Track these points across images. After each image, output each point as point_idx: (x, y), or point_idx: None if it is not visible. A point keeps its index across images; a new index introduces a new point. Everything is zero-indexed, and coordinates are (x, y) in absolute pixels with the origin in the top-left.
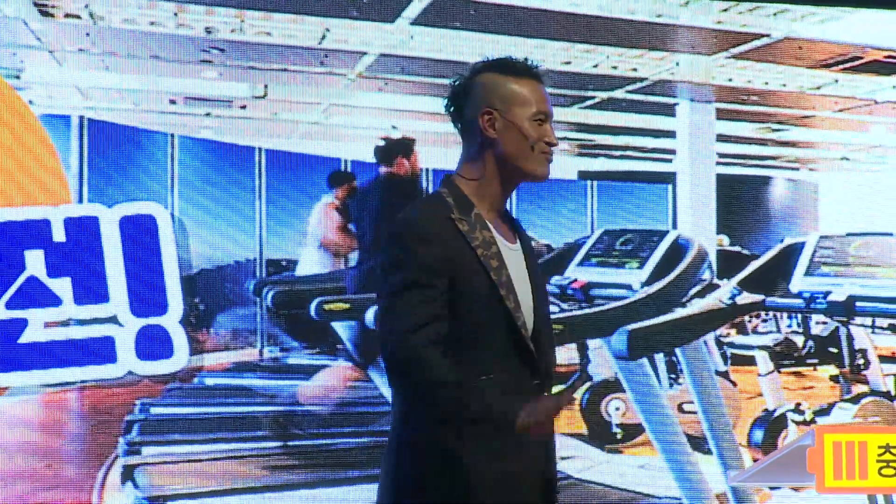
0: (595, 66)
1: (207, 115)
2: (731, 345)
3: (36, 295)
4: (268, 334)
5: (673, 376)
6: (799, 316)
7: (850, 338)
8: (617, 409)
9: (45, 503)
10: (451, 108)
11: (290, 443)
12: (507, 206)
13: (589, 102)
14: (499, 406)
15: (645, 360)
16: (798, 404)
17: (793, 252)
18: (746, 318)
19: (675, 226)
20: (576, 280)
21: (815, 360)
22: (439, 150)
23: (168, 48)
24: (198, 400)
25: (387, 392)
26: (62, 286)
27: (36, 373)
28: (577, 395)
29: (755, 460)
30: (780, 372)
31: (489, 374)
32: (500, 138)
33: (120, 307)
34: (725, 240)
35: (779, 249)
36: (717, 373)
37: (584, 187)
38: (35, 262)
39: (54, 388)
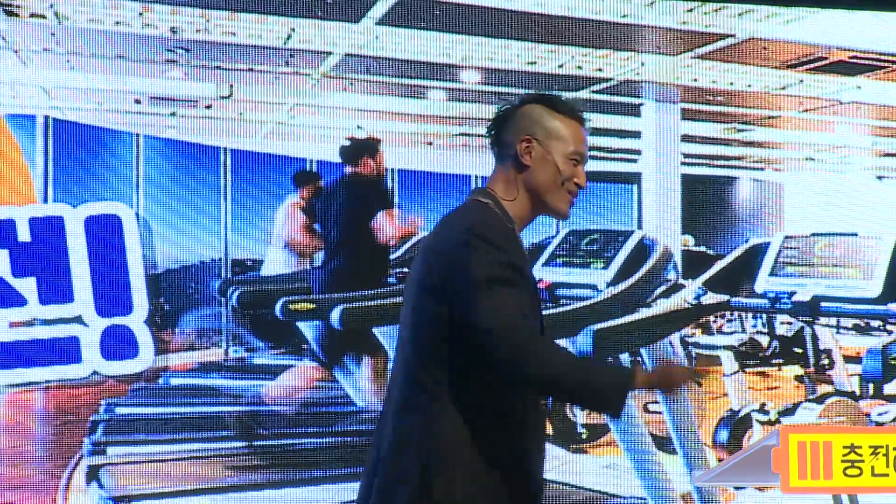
0: (560, 66)
1: (173, 114)
2: (696, 345)
3: (0, 295)
4: (233, 334)
5: None
6: (764, 316)
7: (814, 338)
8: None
9: None
10: (492, 132)
11: (255, 443)
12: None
13: None
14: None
15: (610, 360)
16: (763, 404)
17: (758, 252)
18: (711, 318)
19: (640, 226)
20: (541, 280)
21: (780, 360)
22: (405, 150)
23: (133, 48)
24: (163, 400)
25: (352, 392)
26: (27, 286)
27: (0, 373)
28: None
29: (720, 460)
30: (744, 372)
31: None
32: (533, 167)
33: (85, 307)
34: (690, 240)
35: (744, 249)
36: None
37: None
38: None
39: (19, 388)
